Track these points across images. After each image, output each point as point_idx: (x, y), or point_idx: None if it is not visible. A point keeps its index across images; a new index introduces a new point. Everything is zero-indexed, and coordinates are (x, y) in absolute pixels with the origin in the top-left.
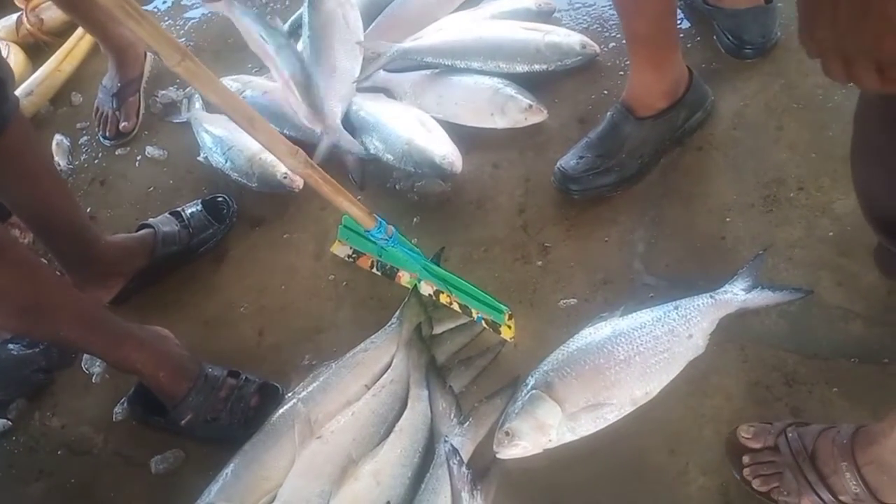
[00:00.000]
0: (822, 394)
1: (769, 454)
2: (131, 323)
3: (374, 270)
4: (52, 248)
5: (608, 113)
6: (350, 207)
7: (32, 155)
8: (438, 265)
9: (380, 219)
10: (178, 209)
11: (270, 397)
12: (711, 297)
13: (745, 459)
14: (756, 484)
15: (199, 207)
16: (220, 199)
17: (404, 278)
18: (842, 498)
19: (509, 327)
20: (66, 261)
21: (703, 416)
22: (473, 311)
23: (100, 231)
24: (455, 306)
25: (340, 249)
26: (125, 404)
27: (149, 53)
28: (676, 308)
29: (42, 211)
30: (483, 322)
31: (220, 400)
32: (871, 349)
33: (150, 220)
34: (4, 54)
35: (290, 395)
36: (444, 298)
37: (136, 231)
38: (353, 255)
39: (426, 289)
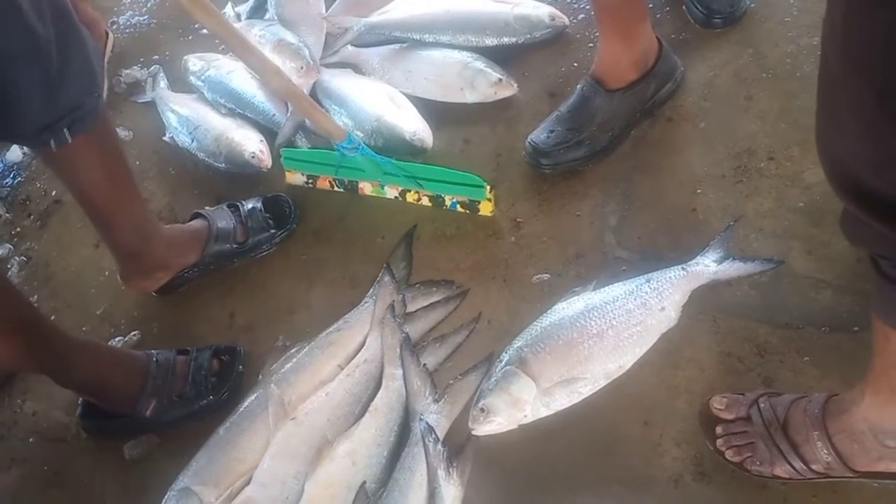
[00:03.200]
0: (793, 363)
1: (742, 424)
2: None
3: (336, 188)
4: (108, 239)
5: (578, 86)
6: (324, 121)
7: (113, 148)
8: (400, 161)
9: (348, 132)
10: (238, 203)
11: (231, 357)
12: (683, 269)
13: (719, 430)
14: (729, 454)
15: (260, 205)
16: (282, 197)
17: (367, 188)
18: (813, 466)
19: (489, 200)
20: (119, 252)
21: (677, 388)
22: (447, 198)
23: (158, 224)
24: (425, 201)
25: (294, 178)
26: (78, 420)
27: (110, 32)
28: (648, 281)
29: (108, 205)
30: (458, 207)
31: (178, 378)
32: (841, 318)
33: (207, 209)
34: None
35: (262, 376)
36: (411, 197)
37: (190, 219)
38: (310, 181)
39: (391, 192)
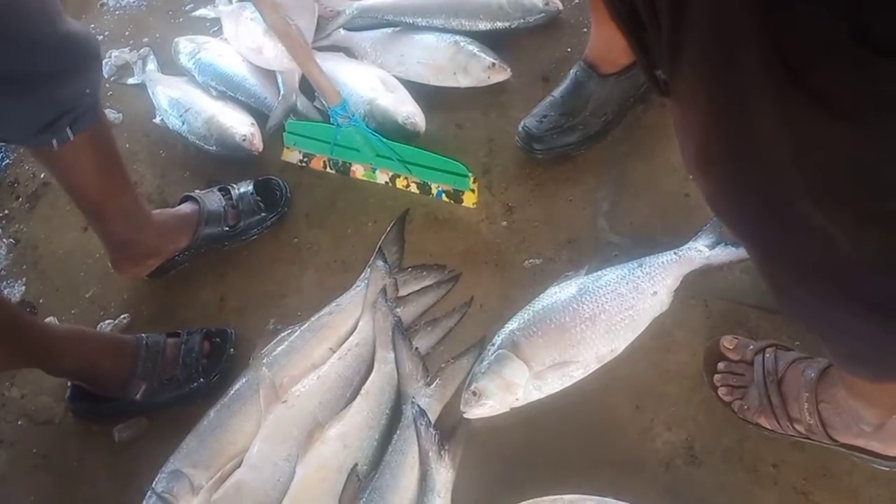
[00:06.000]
0: None
1: (743, 367)
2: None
3: (328, 170)
4: (99, 229)
5: (571, 71)
6: (319, 78)
7: (108, 142)
8: (391, 140)
9: (343, 98)
10: (228, 186)
11: (222, 340)
12: (675, 254)
13: (720, 366)
14: (722, 392)
15: (251, 189)
16: (273, 181)
17: (359, 172)
18: (796, 426)
19: (473, 191)
20: (110, 240)
21: (668, 372)
22: (433, 186)
23: (149, 212)
24: (413, 188)
25: (291, 156)
26: (67, 403)
27: None
28: (641, 265)
29: (101, 198)
30: (444, 196)
31: (168, 360)
32: None
33: (197, 192)
34: None
35: (253, 359)
36: (400, 183)
37: (180, 202)
38: (305, 160)
39: (382, 176)
